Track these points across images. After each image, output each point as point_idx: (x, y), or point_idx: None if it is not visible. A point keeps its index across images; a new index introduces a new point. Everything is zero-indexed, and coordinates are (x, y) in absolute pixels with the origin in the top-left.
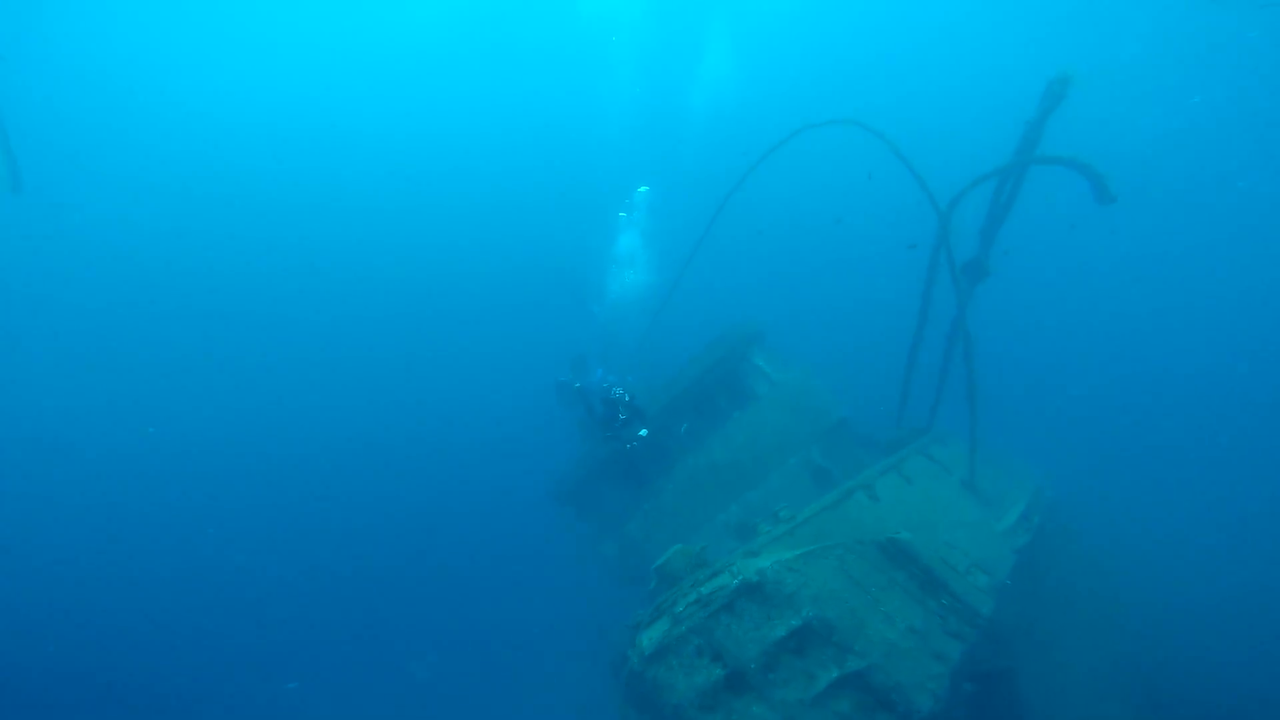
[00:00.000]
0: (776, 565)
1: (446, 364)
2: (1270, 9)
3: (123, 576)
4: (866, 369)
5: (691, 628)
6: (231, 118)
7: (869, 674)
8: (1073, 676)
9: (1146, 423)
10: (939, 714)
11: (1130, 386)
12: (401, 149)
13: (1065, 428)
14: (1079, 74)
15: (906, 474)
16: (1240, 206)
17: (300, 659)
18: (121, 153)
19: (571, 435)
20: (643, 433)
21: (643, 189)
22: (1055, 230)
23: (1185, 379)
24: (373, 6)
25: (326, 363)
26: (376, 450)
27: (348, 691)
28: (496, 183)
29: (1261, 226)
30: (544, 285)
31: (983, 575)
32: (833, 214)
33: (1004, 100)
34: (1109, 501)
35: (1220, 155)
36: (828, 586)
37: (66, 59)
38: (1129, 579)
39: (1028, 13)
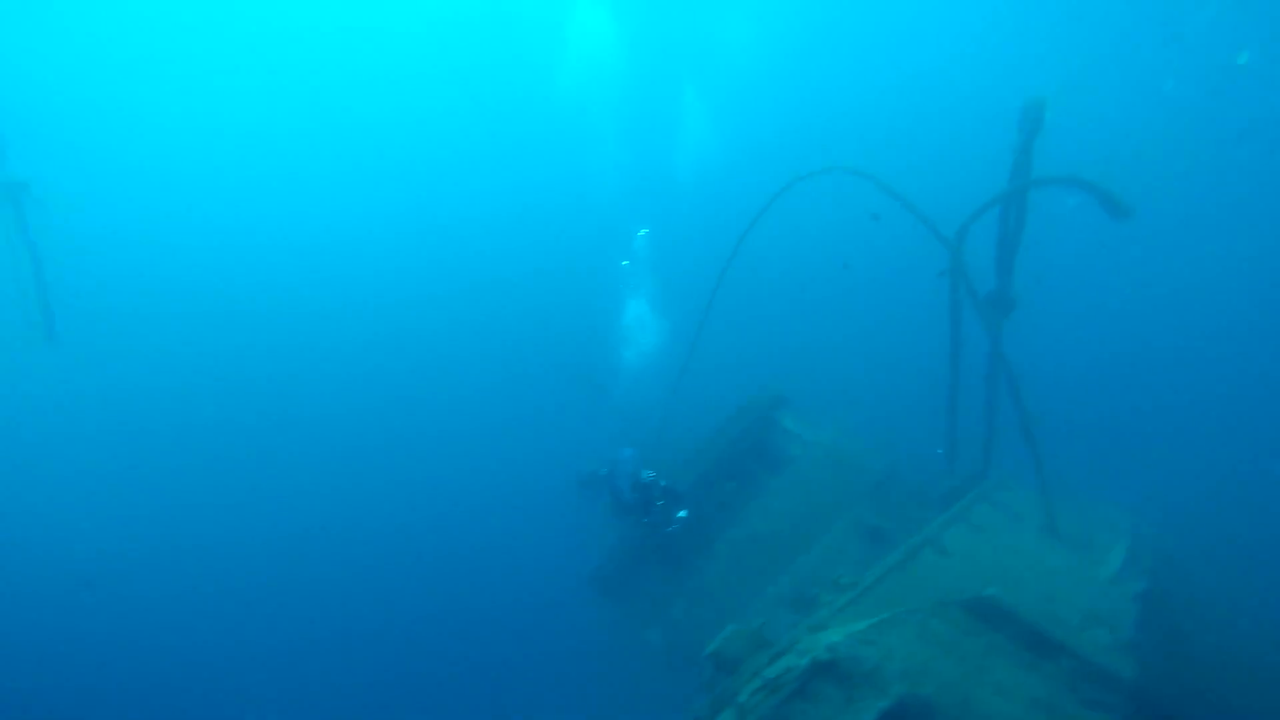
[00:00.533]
0: (850, 639)
1: (458, 459)
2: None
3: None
4: (906, 419)
5: (761, 717)
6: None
7: None
8: None
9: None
10: None
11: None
12: (390, 241)
13: (1144, 456)
14: (1052, 96)
15: (975, 524)
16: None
17: None
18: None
19: (601, 522)
20: (682, 514)
21: (643, 232)
22: (1086, 242)
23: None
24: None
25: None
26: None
27: None
28: (491, 262)
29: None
30: (550, 360)
31: (1104, 630)
32: (839, 261)
33: (992, 117)
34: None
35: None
36: (915, 658)
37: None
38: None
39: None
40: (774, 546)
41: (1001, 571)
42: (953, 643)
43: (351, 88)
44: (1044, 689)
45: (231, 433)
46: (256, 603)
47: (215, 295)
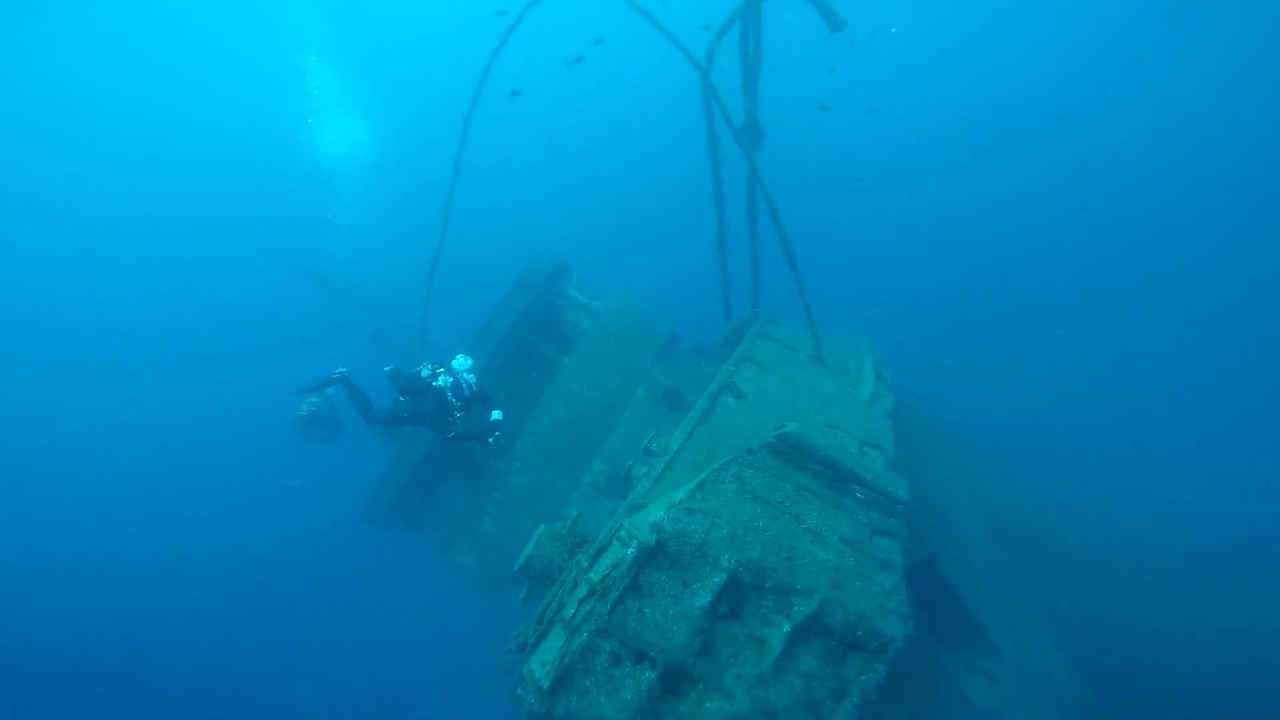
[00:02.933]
0: (673, 511)
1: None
2: None
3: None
4: (669, 279)
5: (595, 630)
6: None
7: (823, 614)
8: (978, 553)
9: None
10: (911, 635)
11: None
12: None
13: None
14: None
15: (759, 360)
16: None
17: None
18: None
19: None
20: (496, 415)
21: None
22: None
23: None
24: None
25: None
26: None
27: None
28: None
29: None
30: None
31: (876, 452)
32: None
33: None
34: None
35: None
36: (739, 518)
37: None
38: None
39: None
40: (580, 432)
41: (789, 406)
42: (767, 492)
43: None
44: (848, 525)
45: None
46: None
47: None
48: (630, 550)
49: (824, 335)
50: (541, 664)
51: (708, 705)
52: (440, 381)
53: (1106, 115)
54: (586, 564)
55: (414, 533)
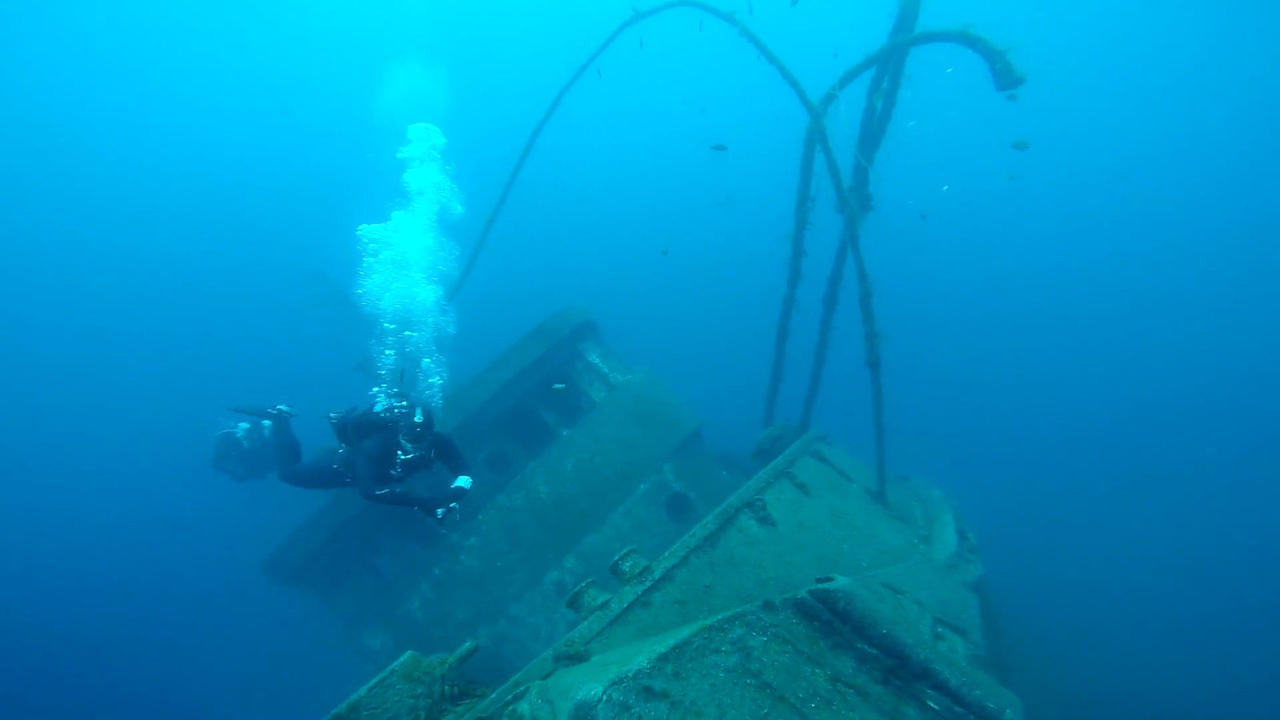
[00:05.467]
0: (620, 689)
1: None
2: None
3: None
4: (708, 367)
5: None
6: None
7: None
8: None
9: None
10: None
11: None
12: None
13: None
14: None
15: (801, 481)
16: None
17: None
18: None
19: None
20: (462, 483)
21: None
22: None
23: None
24: None
25: None
26: None
27: None
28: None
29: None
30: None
31: (958, 638)
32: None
33: None
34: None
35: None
36: (727, 717)
37: None
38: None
39: None
40: (559, 517)
41: (835, 549)
42: (784, 679)
43: None
44: None
45: None
46: None
47: None
48: None
49: (890, 474)
50: None
51: None
52: (388, 412)
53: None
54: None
55: (321, 599)
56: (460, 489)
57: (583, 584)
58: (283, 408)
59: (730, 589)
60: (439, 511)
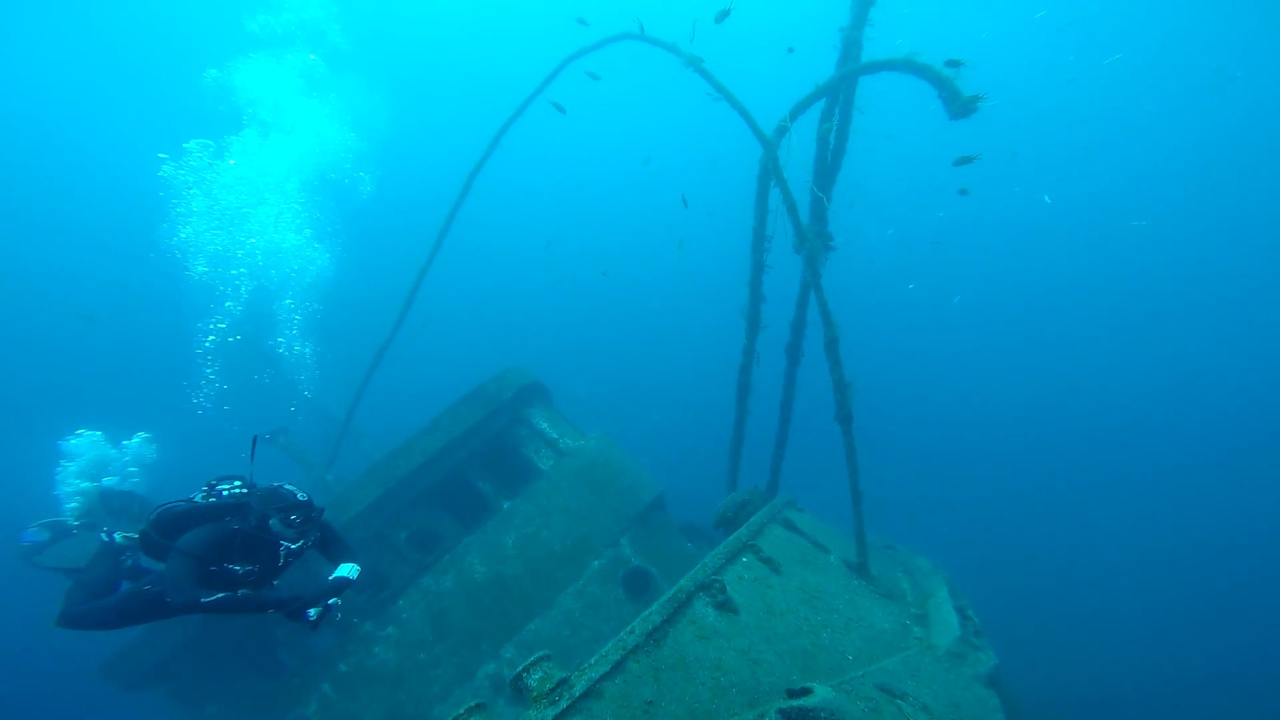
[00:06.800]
0: None
1: None
2: None
3: None
4: (666, 436)
5: None
6: None
7: None
8: None
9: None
10: None
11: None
12: None
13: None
14: None
15: (767, 555)
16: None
17: None
18: None
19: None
20: (345, 572)
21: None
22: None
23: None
24: None
25: None
26: None
27: None
28: None
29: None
30: None
31: None
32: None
33: None
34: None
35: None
36: None
37: None
38: None
39: None
40: (496, 601)
41: (812, 640)
42: None
43: None
44: None
45: None
46: None
47: None
48: None
49: (872, 542)
50: None
51: None
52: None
53: None
54: None
55: (182, 709)
56: (344, 579)
57: (461, 709)
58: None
59: (680, 704)
60: (310, 613)
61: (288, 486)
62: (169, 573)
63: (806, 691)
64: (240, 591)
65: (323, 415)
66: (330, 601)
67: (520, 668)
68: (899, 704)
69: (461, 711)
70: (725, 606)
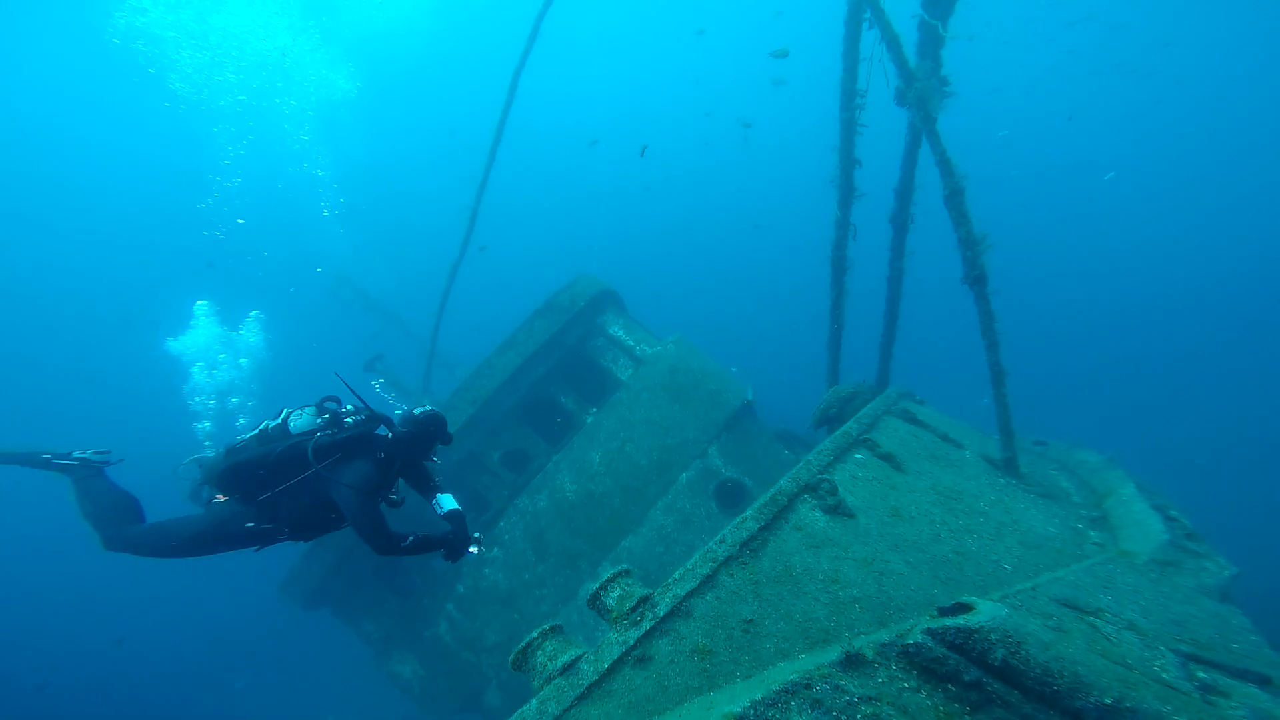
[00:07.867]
0: None
1: None
2: None
3: None
4: (751, 339)
5: None
6: None
7: None
8: None
9: None
10: None
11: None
12: None
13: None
14: None
15: (886, 450)
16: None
17: None
18: None
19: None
20: (453, 504)
21: None
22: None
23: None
24: None
25: None
26: None
27: None
28: None
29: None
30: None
31: (1250, 687)
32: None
33: None
34: None
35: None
36: None
37: None
38: None
39: None
40: (589, 519)
41: (954, 548)
42: None
43: None
44: None
45: None
46: None
47: None
48: None
49: (1018, 440)
50: None
51: None
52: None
53: None
54: None
55: (346, 624)
56: (458, 511)
57: (534, 633)
58: (85, 455)
59: (787, 624)
60: (472, 549)
61: (421, 410)
62: (364, 520)
63: (965, 608)
64: (418, 534)
65: (410, 336)
66: (475, 534)
67: (596, 585)
68: (1092, 622)
69: (535, 635)
70: (838, 510)
